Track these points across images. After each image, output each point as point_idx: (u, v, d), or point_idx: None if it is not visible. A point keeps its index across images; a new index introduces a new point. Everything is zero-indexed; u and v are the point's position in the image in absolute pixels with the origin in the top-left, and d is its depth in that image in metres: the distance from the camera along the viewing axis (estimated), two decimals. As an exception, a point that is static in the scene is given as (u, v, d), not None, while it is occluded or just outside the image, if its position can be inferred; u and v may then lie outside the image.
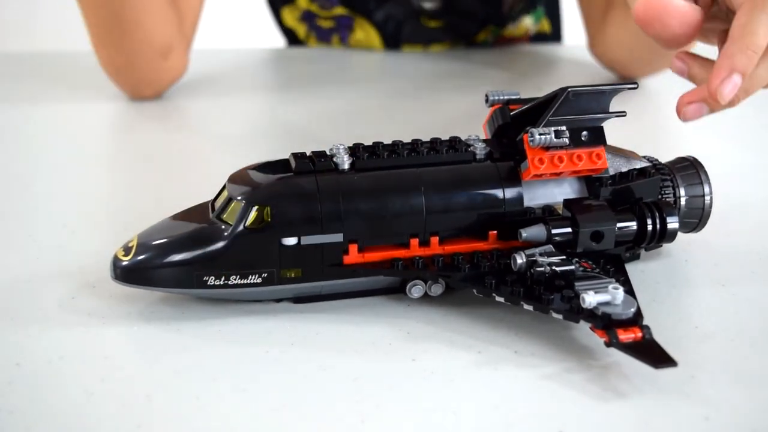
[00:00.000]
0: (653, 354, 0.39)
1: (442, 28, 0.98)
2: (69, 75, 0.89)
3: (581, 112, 0.46)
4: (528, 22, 1.00)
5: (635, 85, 0.47)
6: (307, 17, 1.00)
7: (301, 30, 1.02)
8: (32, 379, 0.40)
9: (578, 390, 0.40)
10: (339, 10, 0.98)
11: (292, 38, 1.05)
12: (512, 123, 0.48)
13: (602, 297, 0.41)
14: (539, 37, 1.03)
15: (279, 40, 1.10)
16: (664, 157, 0.53)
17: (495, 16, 0.98)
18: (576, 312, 0.42)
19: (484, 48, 1.00)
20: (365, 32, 0.99)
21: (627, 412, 0.38)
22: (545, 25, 1.04)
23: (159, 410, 0.38)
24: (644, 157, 0.50)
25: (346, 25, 0.99)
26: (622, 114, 0.47)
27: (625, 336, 0.40)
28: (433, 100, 0.82)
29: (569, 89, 0.45)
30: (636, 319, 0.41)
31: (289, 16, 1.03)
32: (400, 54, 0.98)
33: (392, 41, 0.99)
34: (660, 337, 0.41)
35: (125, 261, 0.44)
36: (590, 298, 0.41)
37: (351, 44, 1.00)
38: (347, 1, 0.98)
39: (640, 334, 0.40)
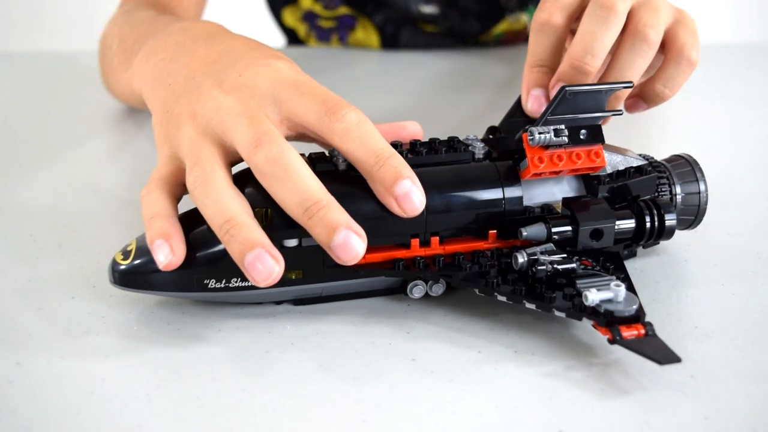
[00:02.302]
0: (657, 351, 0.39)
1: (441, 33, 0.98)
2: (69, 75, 0.89)
3: (578, 111, 0.46)
4: (525, 19, 1.00)
5: (630, 84, 0.47)
6: (309, 17, 1.00)
7: (301, 30, 1.02)
8: (32, 378, 0.40)
9: (578, 389, 0.40)
10: (343, 10, 0.98)
11: (293, 38, 1.05)
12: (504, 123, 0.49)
13: (604, 294, 0.41)
14: None
15: (277, 40, 1.10)
16: (660, 154, 0.53)
17: (493, 11, 0.98)
18: (578, 310, 0.42)
19: (483, 47, 1.00)
20: (366, 32, 0.99)
21: (626, 412, 0.38)
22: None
23: (159, 410, 0.38)
24: (640, 155, 0.50)
25: (347, 25, 0.99)
26: (618, 112, 0.48)
27: (629, 333, 0.40)
28: (432, 101, 0.82)
29: (566, 88, 0.45)
30: (638, 316, 0.41)
31: (290, 17, 1.02)
32: (399, 53, 0.98)
33: (391, 44, 0.99)
34: (660, 336, 0.41)
35: (123, 265, 0.44)
36: (593, 296, 0.41)
37: (350, 43, 1.00)
38: (350, 3, 0.98)
39: (643, 331, 0.40)
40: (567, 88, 0.45)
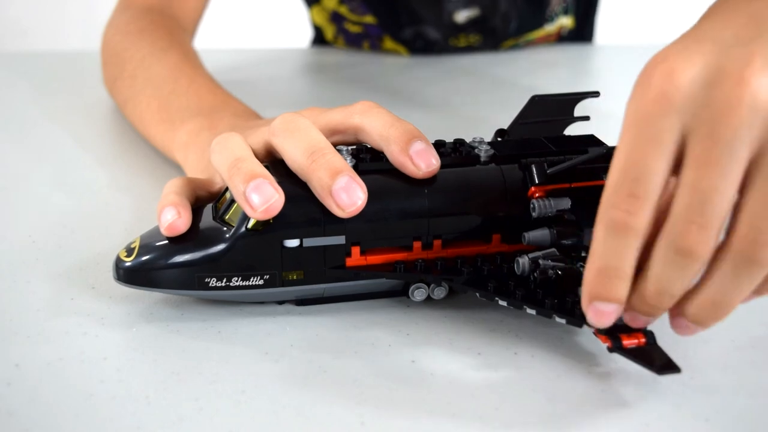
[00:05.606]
0: (656, 360, 0.39)
1: (471, 48, 0.97)
2: (69, 75, 0.89)
3: (547, 116, 0.48)
4: (563, 20, 1.00)
5: (597, 94, 0.48)
6: (336, 19, 0.99)
7: (329, 30, 1.01)
8: (31, 380, 0.40)
9: (578, 391, 0.40)
10: (369, 19, 0.97)
11: (320, 36, 1.04)
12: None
13: None
14: (569, 35, 1.03)
15: (303, 38, 1.10)
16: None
17: (536, 18, 0.97)
18: (579, 317, 0.41)
19: (510, 49, 0.99)
20: (394, 46, 0.98)
21: (627, 414, 0.38)
22: (570, 22, 1.03)
23: (158, 412, 0.38)
24: None
25: (375, 35, 0.98)
26: (585, 118, 0.48)
27: (629, 341, 0.40)
28: (438, 103, 0.82)
29: (535, 96, 0.47)
30: None
31: (318, 16, 1.02)
32: (408, 56, 0.98)
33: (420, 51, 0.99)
34: (659, 338, 0.41)
35: (128, 262, 0.44)
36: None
37: (382, 49, 0.99)
38: (377, 13, 0.97)
39: (643, 340, 0.40)
40: (536, 96, 0.47)
